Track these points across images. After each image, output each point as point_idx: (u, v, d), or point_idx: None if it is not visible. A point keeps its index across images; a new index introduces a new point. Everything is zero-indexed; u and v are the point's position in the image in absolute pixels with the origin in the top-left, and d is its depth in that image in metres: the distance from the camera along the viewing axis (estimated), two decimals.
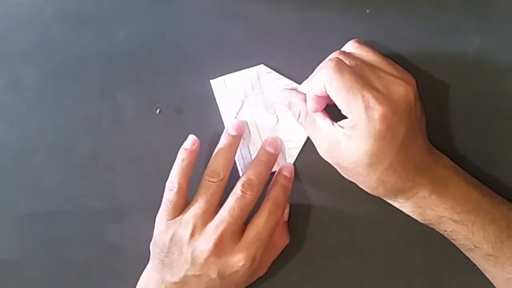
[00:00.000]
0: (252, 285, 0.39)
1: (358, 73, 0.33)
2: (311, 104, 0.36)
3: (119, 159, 0.42)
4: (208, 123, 0.40)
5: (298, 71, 0.40)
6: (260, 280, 0.39)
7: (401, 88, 0.33)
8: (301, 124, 0.38)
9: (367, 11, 0.40)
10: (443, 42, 0.40)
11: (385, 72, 0.34)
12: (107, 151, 0.42)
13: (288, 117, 0.40)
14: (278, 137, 0.40)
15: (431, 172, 0.35)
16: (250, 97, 0.40)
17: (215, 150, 0.39)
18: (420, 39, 0.40)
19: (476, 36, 0.40)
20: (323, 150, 0.37)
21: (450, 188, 0.35)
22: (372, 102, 0.32)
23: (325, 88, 0.34)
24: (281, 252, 0.40)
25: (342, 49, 0.36)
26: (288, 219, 0.40)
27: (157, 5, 0.42)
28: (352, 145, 0.34)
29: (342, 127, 0.35)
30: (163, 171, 0.38)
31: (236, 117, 0.40)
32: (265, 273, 0.39)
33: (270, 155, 0.39)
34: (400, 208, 0.36)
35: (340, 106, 0.34)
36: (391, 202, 0.37)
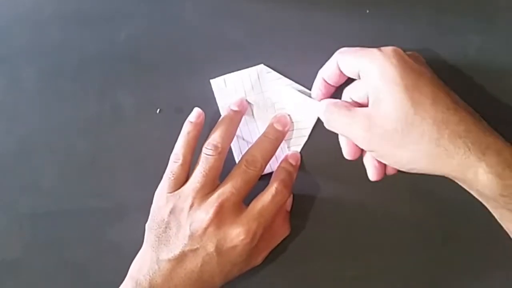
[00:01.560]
0: (250, 278, 0.39)
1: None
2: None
3: (119, 159, 0.42)
4: (208, 123, 0.40)
5: (298, 71, 0.40)
6: (258, 272, 0.39)
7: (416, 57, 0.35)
8: (331, 126, 0.36)
9: (367, 11, 0.40)
10: (443, 42, 0.40)
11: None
12: (107, 151, 0.42)
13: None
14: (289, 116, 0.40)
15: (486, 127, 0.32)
16: (250, 97, 0.40)
17: (216, 125, 0.39)
18: (420, 39, 0.40)
19: (476, 36, 0.40)
20: (364, 138, 0.33)
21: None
22: (382, 48, 0.33)
23: (337, 65, 0.35)
24: (280, 244, 0.40)
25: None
26: (290, 210, 0.40)
27: (157, 5, 0.42)
28: (389, 98, 0.32)
29: (369, 98, 0.34)
30: (163, 171, 0.38)
31: None
32: (262, 263, 0.39)
33: (278, 133, 0.39)
34: (477, 180, 0.31)
35: (354, 67, 0.34)
36: (460, 172, 0.31)
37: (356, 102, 0.36)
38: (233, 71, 0.41)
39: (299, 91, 0.40)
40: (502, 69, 0.40)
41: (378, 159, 0.35)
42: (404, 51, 0.34)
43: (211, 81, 0.41)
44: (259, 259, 0.39)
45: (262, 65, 0.40)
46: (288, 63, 0.41)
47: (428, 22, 0.40)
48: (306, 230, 0.41)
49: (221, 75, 0.41)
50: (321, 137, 0.40)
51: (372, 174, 0.36)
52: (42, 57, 0.42)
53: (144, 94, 0.42)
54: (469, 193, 0.40)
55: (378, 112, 0.33)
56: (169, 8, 0.42)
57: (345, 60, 0.35)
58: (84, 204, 0.42)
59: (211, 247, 0.35)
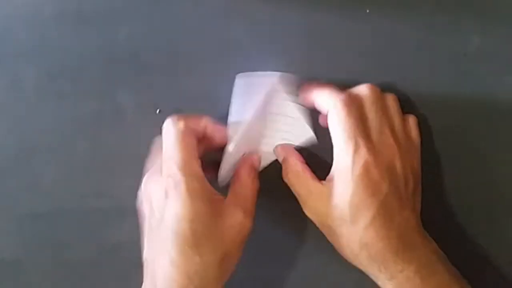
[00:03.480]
0: (250, 278, 0.39)
1: (364, 120, 0.35)
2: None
3: (119, 159, 0.42)
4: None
5: (298, 72, 0.40)
6: (258, 272, 0.39)
7: (392, 155, 0.34)
8: (288, 181, 0.37)
9: (367, 11, 0.40)
10: (443, 42, 0.40)
11: (390, 130, 0.36)
12: (107, 151, 0.42)
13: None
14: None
15: (417, 252, 0.33)
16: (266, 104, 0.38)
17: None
18: (420, 39, 0.40)
19: (476, 36, 0.40)
20: (310, 208, 0.36)
21: (436, 276, 0.33)
22: (362, 149, 0.33)
23: (326, 112, 0.35)
24: (279, 244, 0.40)
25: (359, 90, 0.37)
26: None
27: (157, 5, 0.42)
28: (336, 196, 0.34)
29: (327, 182, 0.35)
30: None
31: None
32: (261, 262, 0.39)
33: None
34: None
35: (333, 138, 0.35)
36: (374, 278, 0.35)
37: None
38: (233, 71, 0.41)
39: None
40: (502, 69, 0.40)
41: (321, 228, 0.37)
42: (405, 52, 0.34)
43: (237, 75, 0.39)
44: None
45: (283, 75, 0.39)
46: (288, 63, 0.41)
47: (428, 22, 0.40)
48: (305, 230, 0.41)
49: (221, 75, 0.41)
50: (322, 137, 0.40)
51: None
52: (42, 57, 0.42)
53: (144, 94, 0.42)
54: (468, 194, 0.40)
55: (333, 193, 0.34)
56: (169, 8, 0.42)
57: (333, 123, 0.35)
58: (84, 204, 0.42)
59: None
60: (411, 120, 0.38)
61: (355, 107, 0.35)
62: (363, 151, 0.33)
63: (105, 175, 0.42)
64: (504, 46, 0.40)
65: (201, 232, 0.32)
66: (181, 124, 0.35)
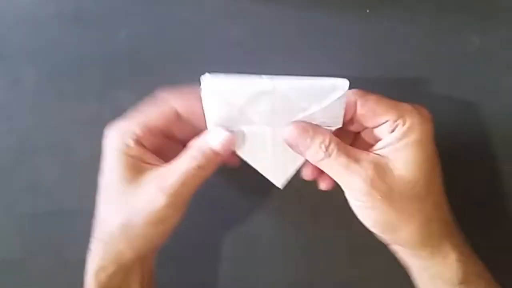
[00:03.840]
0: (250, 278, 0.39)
1: None
2: (323, 132, 0.32)
3: None
4: None
5: (298, 72, 0.40)
6: (257, 271, 0.39)
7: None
8: (324, 165, 0.31)
9: (367, 11, 0.40)
10: (443, 42, 0.40)
11: None
12: None
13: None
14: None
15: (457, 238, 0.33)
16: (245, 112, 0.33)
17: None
18: (420, 39, 0.40)
19: (476, 36, 0.40)
20: (369, 180, 0.30)
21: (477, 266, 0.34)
22: (416, 106, 0.32)
23: (353, 109, 0.32)
24: (279, 244, 0.40)
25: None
26: None
27: (157, 5, 0.42)
28: (409, 154, 0.31)
29: (387, 146, 0.32)
30: None
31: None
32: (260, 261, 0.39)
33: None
34: (444, 264, 0.33)
35: (384, 116, 0.31)
36: (413, 256, 0.33)
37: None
38: (233, 71, 0.41)
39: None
40: (502, 69, 0.40)
41: (358, 208, 0.32)
42: (405, 52, 0.34)
43: (202, 76, 0.32)
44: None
45: (276, 80, 0.31)
46: (288, 63, 0.41)
47: (428, 22, 0.40)
48: (306, 230, 0.41)
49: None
50: None
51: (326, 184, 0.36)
52: (42, 57, 0.42)
53: (144, 94, 0.42)
54: (468, 194, 0.40)
55: (397, 166, 0.31)
56: (169, 8, 0.42)
57: (370, 105, 0.32)
58: (84, 204, 0.42)
59: None
60: None
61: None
62: (418, 106, 0.32)
63: None
64: (504, 46, 0.40)
65: (109, 189, 0.34)
66: (167, 99, 0.35)
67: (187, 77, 0.41)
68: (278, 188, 0.36)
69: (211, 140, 0.32)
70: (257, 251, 0.42)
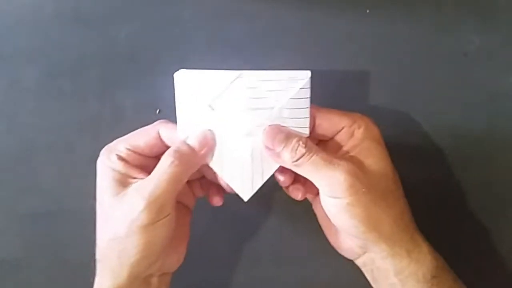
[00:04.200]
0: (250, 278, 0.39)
1: None
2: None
3: None
4: None
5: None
6: (258, 271, 0.39)
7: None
8: (304, 162, 0.32)
9: (367, 11, 0.40)
10: (443, 42, 0.40)
11: None
12: None
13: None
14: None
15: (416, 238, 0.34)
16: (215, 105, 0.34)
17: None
18: (420, 39, 0.40)
19: (476, 36, 0.40)
20: (349, 184, 0.31)
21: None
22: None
23: (313, 119, 0.34)
24: (279, 244, 0.40)
25: None
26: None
27: (157, 5, 0.42)
28: (375, 151, 0.33)
29: (354, 147, 0.34)
30: None
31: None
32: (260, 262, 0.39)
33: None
34: (417, 259, 0.33)
35: (340, 123, 0.34)
36: (392, 256, 0.33)
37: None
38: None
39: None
40: (502, 69, 0.40)
41: (332, 211, 0.33)
42: (405, 52, 0.34)
43: (175, 74, 0.33)
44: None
45: (244, 72, 0.33)
46: (288, 64, 0.41)
47: (428, 22, 0.40)
48: (306, 230, 0.41)
49: None
50: None
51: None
52: (42, 57, 0.42)
53: (144, 94, 0.42)
54: (468, 193, 0.40)
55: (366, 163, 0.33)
56: (169, 8, 0.41)
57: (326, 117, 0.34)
58: (84, 204, 0.42)
59: None
60: None
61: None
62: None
63: None
64: (504, 46, 0.40)
65: (101, 208, 0.34)
66: (158, 125, 0.35)
67: None
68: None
69: (188, 138, 0.33)
70: (257, 251, 0.42)
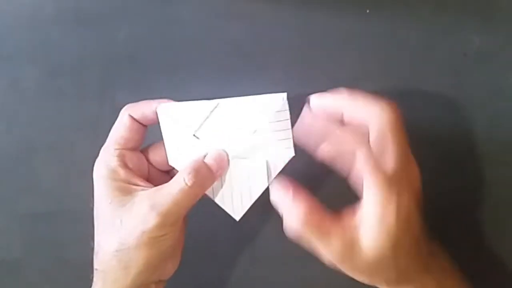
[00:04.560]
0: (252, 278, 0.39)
1: None
2: (300, 207, 0.31)
3: None
4: None
5: (298, 72, 0.40)
6: (259, 272, 0.39)
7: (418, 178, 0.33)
8: (298, 234, 0.31)
9: (367, 11, 0.40)
10: (443, 42, 0.40)
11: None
12: None
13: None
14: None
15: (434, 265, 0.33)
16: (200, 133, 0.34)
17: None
18: (420, 39, 0.40)
19: (476, 36, 0.40)
20: (338, 262, 0.31)
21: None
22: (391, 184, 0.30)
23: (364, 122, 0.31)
24: (279, 245, 0.40)
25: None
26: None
27: (157, 6, 0.42)
28: (375, 236, 0.30)
29: (359, 219, 0.31)
30: None
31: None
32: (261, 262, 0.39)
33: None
34: None
35: (385, 148, 0.30)
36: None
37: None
38: (232, 71, 0.41)
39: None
40: (502, 69, 0.40)
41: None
42: (405, 52, 0.33)
43: (158, 108, 0.34)
44: None
45: (221, 101, 0.34)
46: (288, 64, 0.41)
47: (428, 22, 0.40)
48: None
49: (221, 75, 0.41)
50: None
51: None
52: (42, 57, 0.42)
53: (144, 94, 0.42)
54: (468, 194, 0.40)
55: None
56: (169, 8, 0.41)
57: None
58: (84, 204, 0.42)
59: None
60: None
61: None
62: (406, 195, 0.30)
63: None
64: (504, 46, 0.40)
65: (101, 217, 0.34)
66: (124, 112, 0.35)
67: (187, 77, 0.42)
68: None
69: (206, 157, 0.33)
70: (257, 251, 0.42)
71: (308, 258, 0.41)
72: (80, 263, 0.42)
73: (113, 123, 0.41)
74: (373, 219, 0.30)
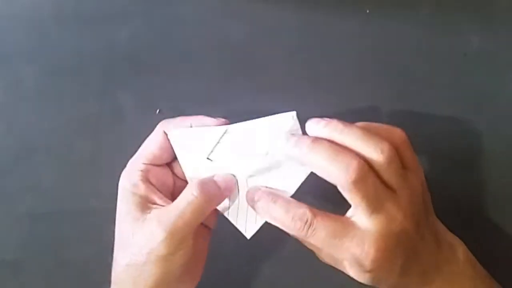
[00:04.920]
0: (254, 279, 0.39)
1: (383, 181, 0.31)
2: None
3: (119, 159, 0.42)
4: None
5: (298, 72, 0.40)
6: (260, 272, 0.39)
7: (418, 193, 0.32)
8: (302, 238, 0.31)
9: (367, 11, 0.40)
10: (443, 42, 0.40)
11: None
12: (107, 151, 0.42)
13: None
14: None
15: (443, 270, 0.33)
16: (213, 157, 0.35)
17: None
18: (420, 39, 0.40)
19: (476, 36, 0.40)
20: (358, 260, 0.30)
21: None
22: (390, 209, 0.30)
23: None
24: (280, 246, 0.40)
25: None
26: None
27: (157, 5, 0.42)
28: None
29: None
30: None
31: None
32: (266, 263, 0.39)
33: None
34: None
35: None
36: None
37: None
38: (232, 71, 0.41)
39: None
40: (502, 69, 0.40)
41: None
42: (405, 52, 0.33)
43: (169, 134, 0.35)
44: None
45: (230, 126, 0.34)
46: (288, 64, 0.41)
47: (428, 22, 0.40)
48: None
49: (221, 75, 0.41)
50: None
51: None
52: (42, 57, 0.42)
53: (144, 94, 0.42)
54: (469, 194, 0.40)
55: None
56: (169, 8, 0.42)
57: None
58: (84, 204, 0.42)
59: None
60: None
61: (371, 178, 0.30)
62: (392, 210, 0.30)
63: (105, 175, 0.42)
64: (504, 46, 0.40)
65: (119, 230, 0.34)
66: (159, 128, 0.35)
67: (187, 77, 0.42)
68: None
69: (215, 176, 0.34)
70: (257, 251, 0.42)
71: (308, 258, 0.41)
72: (80, 263, 0.42)
73: (114, 123, 0.42)
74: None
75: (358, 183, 0.29)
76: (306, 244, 0.33)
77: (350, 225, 0.30)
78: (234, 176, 0.34)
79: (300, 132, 0.32)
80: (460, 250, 0.34)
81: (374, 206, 0.30)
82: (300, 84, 0.40)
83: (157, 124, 0.39)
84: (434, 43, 0.40)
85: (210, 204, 0.33)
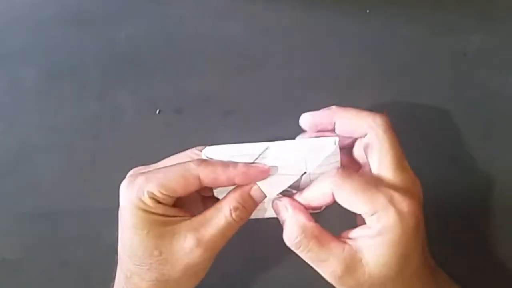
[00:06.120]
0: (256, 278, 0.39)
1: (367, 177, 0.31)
2: (300, 217, 0.32)
3: (119, 159, 0.42)
4: (208, 123, 0.40)
5: (298, 72, 0.40)
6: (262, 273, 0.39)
7: (419, 190, 0.32)
8: (299, 251, 0.31)
9: (367, 11, 0.40)
10: (443, 42, 0.40)
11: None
12: (107, 151, 0.42)
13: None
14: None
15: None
16: None
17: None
18: (420, 39, 0.40)
19: (476, 36, 0.40)
20: (337, 276, 0.30)
21: None
22: (396, 195, 0.29)
23: (331, 197, 0.31)
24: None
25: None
26: None
27: (157, 5, 0.42)
28: (380, 253, 0.29)
29: (361, 238, 0.30)
30: None
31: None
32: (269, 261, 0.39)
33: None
34: None
35: (358, 209, 0.30)
36: None
37: None
38: (232, 71, 0.41)
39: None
40: (502, 69, 0.40)
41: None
42: (405, 52, 0.33)
43: (204, 151, 0.34)
44: None
45: (271, 144, 0.33)
46: (288, 64, 0.41)
47: (428, 22, 0.40)
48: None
49: (221, 75, 0.41)
50: None
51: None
52: (42, 57, 0.42)
53: (144, 94, 0.42)
54: (468, 194, 0.40)
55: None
56: (169, 8, 0.42)
57: (346, 197, 0.30)
58: (84, 204, 0.42)
59: None
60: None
61: (352, 172, 0.31)
62: (398, 196, 0.30)
63: (105, 175, 0.42)
64: (504, 46, 0.40)
65: (136, 247, 0.32)
66: (195, 167, 0.32)
67: (187, 77, 0.42)
68: None
69: (252, 190, 0.33)
70: (257, 251, 0.42)
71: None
72: (80, 263, 0.42)
73: (114, 123, 0.42)
74: (378, 244, 0.29)
75: (390, 131, 0.31)
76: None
77: None
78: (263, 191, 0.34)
79: (338, 157, 0.33)
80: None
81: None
82: (300, 84, 0.40)
83: (157, 124, 0.38)
84: (434, 43, 0.40)
85: (245, 220, 0.33)
